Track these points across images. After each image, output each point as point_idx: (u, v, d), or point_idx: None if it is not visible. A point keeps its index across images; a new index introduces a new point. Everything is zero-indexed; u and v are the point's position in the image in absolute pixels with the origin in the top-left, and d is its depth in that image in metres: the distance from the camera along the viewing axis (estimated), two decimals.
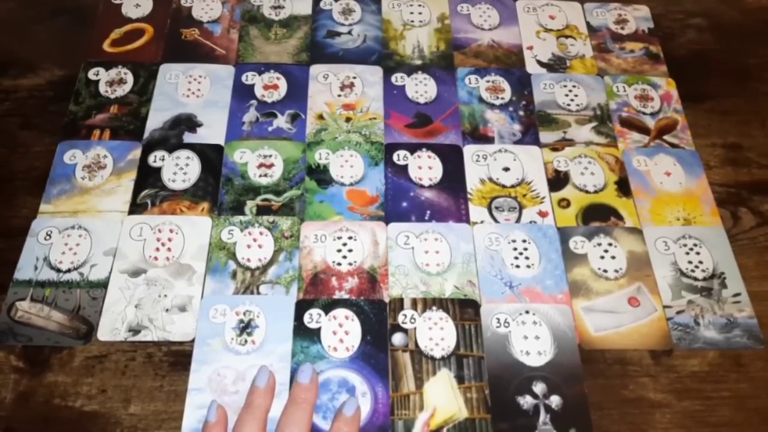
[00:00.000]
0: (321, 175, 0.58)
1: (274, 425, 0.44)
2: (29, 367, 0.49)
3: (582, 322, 0.52)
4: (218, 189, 0.57)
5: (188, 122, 0.61)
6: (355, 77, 0.65)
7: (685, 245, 0.56)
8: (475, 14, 0.71)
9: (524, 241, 0.55)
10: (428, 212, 0.57)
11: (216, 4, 0.70)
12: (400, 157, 0.60)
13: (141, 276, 0.52)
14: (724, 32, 0.71)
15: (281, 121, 0.62)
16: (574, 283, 0.54)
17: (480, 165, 0.60)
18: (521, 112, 0.64)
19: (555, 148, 0.61)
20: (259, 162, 0.59)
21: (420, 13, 0.71)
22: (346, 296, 0.52)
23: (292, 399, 0.45)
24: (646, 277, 0.54)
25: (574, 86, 0.65)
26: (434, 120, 0.63)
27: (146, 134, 0.60)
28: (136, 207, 0.56)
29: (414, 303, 0.52)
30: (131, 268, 0.53)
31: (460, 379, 0.49)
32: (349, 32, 0.69)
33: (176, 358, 0.49)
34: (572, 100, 0.65)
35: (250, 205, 0.57)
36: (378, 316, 0.51)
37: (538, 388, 0.48)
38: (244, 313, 0.51)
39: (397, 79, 0.65)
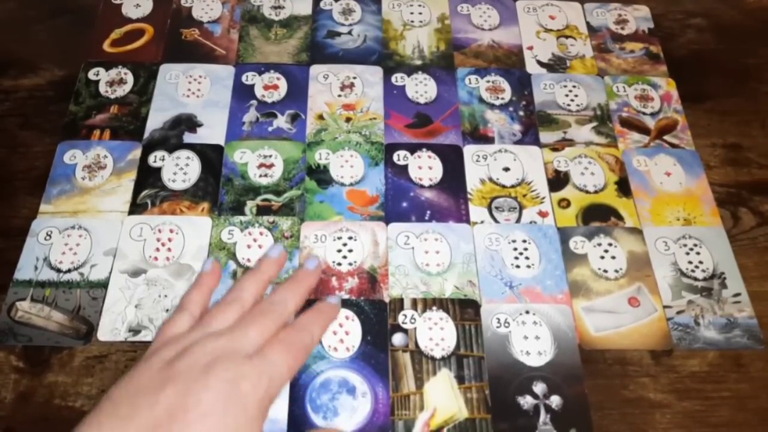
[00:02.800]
0: (321, 175, 0.58)
1: None
2: (29, 367, 0.49)
3: (582, 322, 0.52)
4: (218, 189, 0.57)
5: (188, 122, 0.61)
6: (355, 77, 0.65)
7: (685, 245, 0.56)
8: (475, 14, 0.71)
9: (524, 241, 0.55)
10: (428, 212, 0.57)
11: (216, 4, 0.70)
12: (400, 157, 0.60)
13: (141, 276, 0.52)
14: (724, 32, 0.71)
15: (281, 121, 0.62)
16: (574, 283, 0.54)
17: (480, 165, 0.60)
18: (521, 112, 0.64)
19: (555, 148, 0.61)
20: (259, 162, 0.59)
21: (420, 14, 0.71)
22: (347, 296, 0.52)
23: (293, 277, 0.41)
24: (646, 278, 0.54)
25: (574, 86, 0.65)
26: (434, 120, 0.62)
27: (146, 134, 0.60)
28: (136, 207, 0.56)
29: (414, 303, 0.52)
30: (131, 268, 0.53)
31: (460, 379, 0.49)
32: (349, 32, 0.69)
33: None
34: (572, 100, 0.64)
35: (250, 205, 0.57)
36: (378, 316, 0.51)
37: (539, 388, 0.48)
38: None
39: (397, 79, 0.65)
